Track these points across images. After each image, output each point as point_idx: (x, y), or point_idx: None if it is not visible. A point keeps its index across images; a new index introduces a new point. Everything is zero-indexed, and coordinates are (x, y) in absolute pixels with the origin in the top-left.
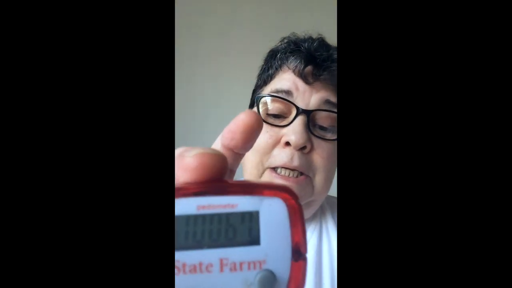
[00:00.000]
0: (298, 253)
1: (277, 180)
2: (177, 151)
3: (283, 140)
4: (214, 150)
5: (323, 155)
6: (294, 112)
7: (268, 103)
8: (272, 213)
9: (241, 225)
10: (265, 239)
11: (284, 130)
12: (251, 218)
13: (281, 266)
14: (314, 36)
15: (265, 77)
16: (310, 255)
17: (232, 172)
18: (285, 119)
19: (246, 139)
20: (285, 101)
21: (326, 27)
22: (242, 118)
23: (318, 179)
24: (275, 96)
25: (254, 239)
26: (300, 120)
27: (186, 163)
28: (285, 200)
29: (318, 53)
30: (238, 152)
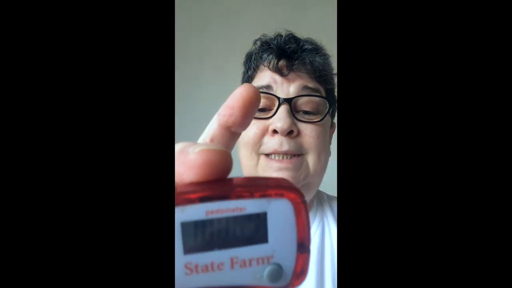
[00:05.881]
0: (303, 246)
1: (273, 164)
2: (178, 146)
3: (270, 128)
4: (217, 146)
5: (312, 135)
6: (276, 103)
7: None
8: (279, 213)
9: (249, 226)
10: (272, 237)
11: (270, 120)
12: (259, 219)
13: (287, 259)
14: (284, 33)
15: (246, 79)
16: (313, 253)
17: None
18: (270, 111)
19: (246, 113)
20: (267, 94)
21: (328, 25)
22: (240, 92)
23: (311, 158)
24: None
25: (262, 238)
26: (283, 108)
27: (190, 160)
28: (291, 200)
29: (287, 46)
30: (236, 131)
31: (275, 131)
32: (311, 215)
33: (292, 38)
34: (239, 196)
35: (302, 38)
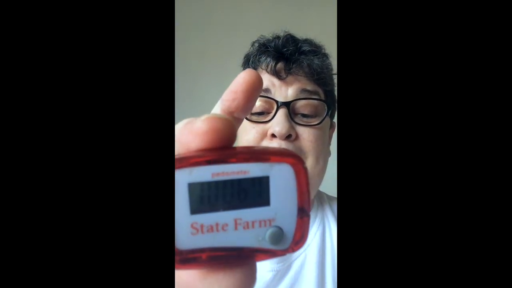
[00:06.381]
0: (303, 211)
1: None
2: (183, 121)
3: (269, 133)
4: (222, 115)
5: (310, 138)
6: (275, 106)
7: None
8: (281, 177)
9: (252, 189)
10: (274, 200)
11: (269, 124)
12: (261, 183)
13: (288, 222)
14: (282, 34)
15: None
16: (314, 254)
17: None
18: (268, 114)
19: (249, 98)
20: (265, 98)
21: (328, 25)
22: (243, 77)
23: (310, 161)
24: None
25: (264, 201)
26: (281, 112)
27: (197, 127)
28: (292, 165)
29: (285, 49)
30: (238, 116)
31: (273, 135)
32: (311, 216)
33: (290, 39)
34: (243, 160)
35: (300, 38)
